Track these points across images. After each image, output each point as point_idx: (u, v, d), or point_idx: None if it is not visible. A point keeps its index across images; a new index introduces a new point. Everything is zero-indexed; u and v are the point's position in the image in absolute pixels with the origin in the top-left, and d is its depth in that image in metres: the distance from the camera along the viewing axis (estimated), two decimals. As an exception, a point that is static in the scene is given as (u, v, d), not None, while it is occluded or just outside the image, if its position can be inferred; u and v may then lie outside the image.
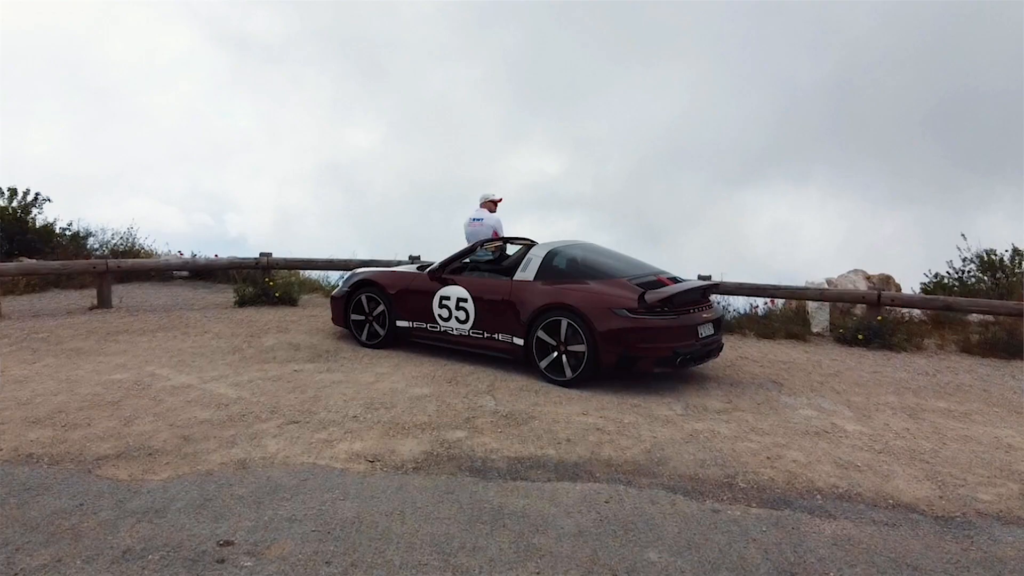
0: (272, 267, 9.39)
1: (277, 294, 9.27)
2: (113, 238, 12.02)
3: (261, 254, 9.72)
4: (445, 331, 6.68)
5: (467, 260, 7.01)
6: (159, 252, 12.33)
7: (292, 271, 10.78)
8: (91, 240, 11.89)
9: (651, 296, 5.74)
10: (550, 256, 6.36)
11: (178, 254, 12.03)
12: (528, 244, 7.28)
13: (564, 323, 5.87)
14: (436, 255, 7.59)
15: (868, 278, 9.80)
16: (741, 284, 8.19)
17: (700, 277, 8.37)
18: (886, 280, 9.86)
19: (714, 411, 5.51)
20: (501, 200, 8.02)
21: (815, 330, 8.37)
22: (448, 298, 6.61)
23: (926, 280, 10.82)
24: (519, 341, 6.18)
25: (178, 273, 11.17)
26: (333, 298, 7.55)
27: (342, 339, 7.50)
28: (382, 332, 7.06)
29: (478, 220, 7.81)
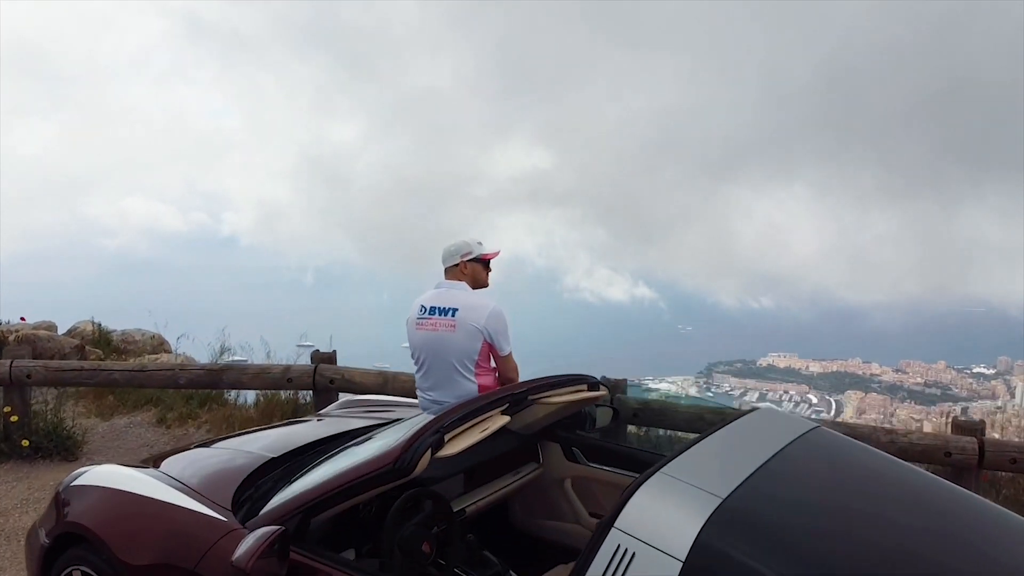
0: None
1: (27, 443, 4.41)
2: None
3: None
4: None
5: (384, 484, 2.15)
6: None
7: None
8: None
9: None
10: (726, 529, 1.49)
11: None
12: (595, 400, 2.55)
13: None
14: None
15: None
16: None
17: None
18: None
19: None
20: (497, 255, 3.18)
21: None
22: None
23: None
24: None
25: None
26: (28, 544, 2.69)
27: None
28: None
29: (445, 314, 2.92)
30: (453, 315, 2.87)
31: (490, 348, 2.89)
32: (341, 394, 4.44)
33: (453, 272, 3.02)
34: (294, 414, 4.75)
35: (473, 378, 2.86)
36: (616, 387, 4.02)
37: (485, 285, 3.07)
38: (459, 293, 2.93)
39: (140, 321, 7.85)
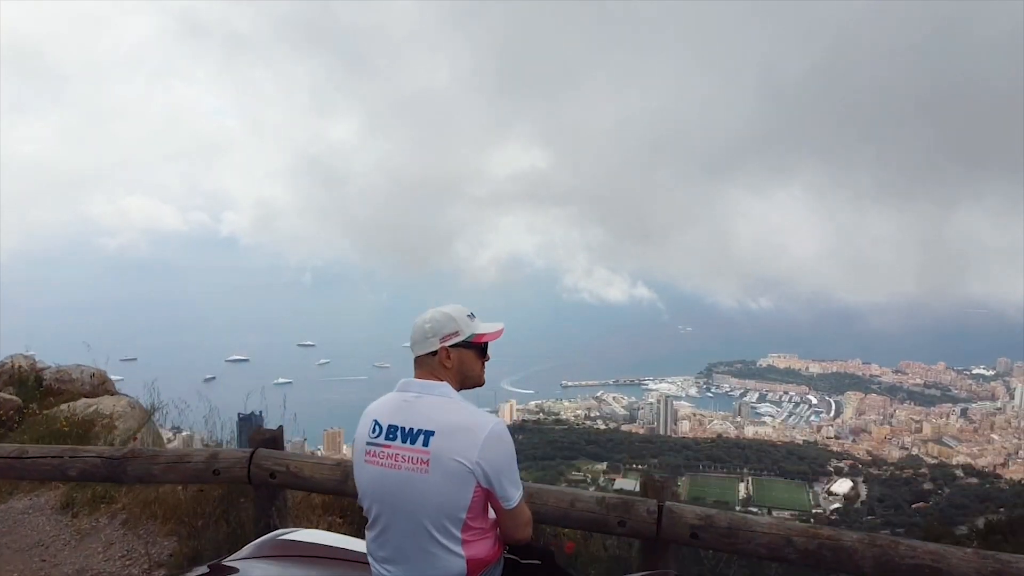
0: None
1: None
2: None
3: None
4: None
5: None
6: None
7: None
8: None
9: None
10: None
11: None
12: None
13: None
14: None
15: None
16: None
17: None
18: None
19: None
20: (500, 335, 2.05)
21: None
22: None
23: None
24: None
25: None
26: None
27: None
28: None
29: (412, 440, 1.75)
30: (426, 443, 1.74)
31: (488, 496, 1.77)
32: (288, 489, 3.32)
33: (427, 365, 1.89)
34: (226, 513, 3.62)
35: (459, 548, 1.75)
36: (663, 489, 2.89)
37: (479, 383, 1.94)
38: (437, 403, 1.81)
39: (79, 355, 6.72)
